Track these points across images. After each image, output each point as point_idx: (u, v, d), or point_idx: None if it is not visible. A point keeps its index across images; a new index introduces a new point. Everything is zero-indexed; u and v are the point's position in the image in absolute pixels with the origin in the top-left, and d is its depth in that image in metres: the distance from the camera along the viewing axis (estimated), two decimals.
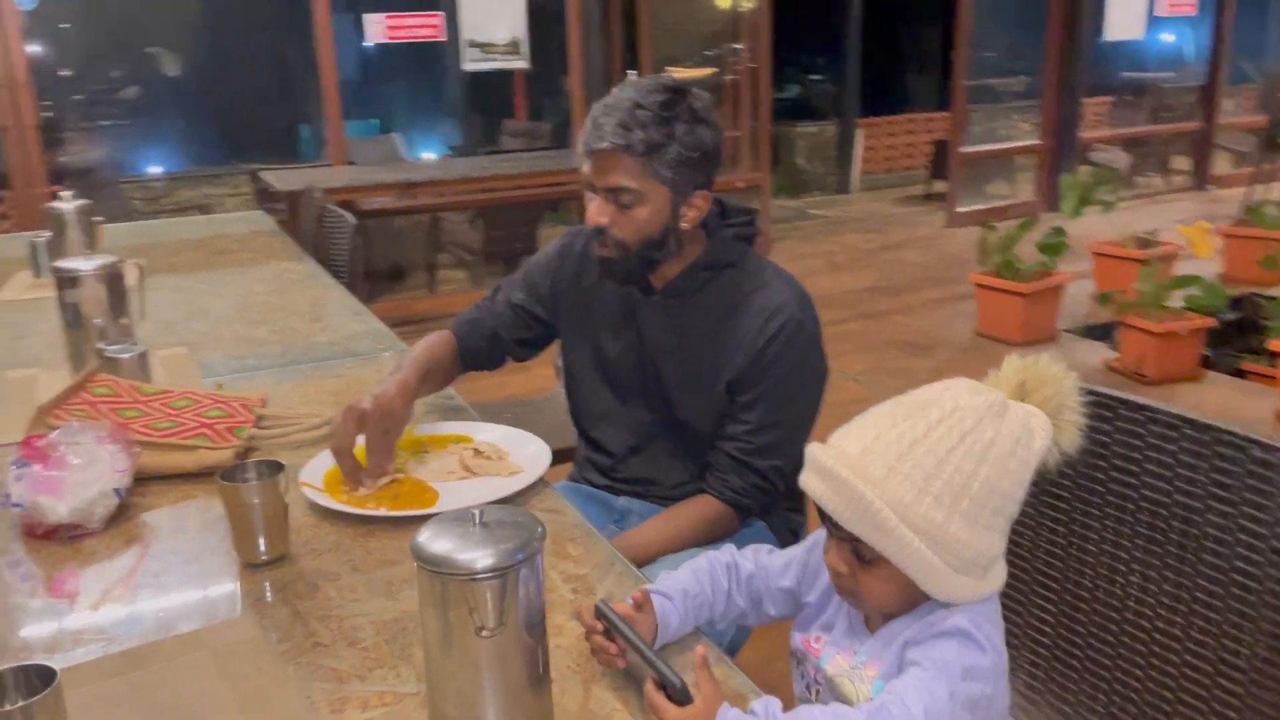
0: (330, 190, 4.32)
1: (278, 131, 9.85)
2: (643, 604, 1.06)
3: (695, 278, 1.61)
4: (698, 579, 1.14)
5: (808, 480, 1.02)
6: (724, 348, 1.59)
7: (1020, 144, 8.60)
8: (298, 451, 1.60)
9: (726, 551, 1.19)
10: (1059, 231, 4.79)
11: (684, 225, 1.56)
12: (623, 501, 1.73)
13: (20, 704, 0.85)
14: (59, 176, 5.73)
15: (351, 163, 5.70)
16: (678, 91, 1.53)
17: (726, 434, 1.61)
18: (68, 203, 2.78)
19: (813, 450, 1.01)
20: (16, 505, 1.36)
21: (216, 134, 9.63)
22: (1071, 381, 1.02)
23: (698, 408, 1.63)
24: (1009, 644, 1.42)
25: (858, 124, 10.33)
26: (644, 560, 1.52)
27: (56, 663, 1.09)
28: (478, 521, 0.91)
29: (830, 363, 1.64)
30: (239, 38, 10.46)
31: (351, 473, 1.43)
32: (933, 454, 0.96)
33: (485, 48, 5.90)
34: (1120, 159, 8.74)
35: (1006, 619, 1.42)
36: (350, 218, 3.11)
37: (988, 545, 0.98)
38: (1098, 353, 4.62)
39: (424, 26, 5.85)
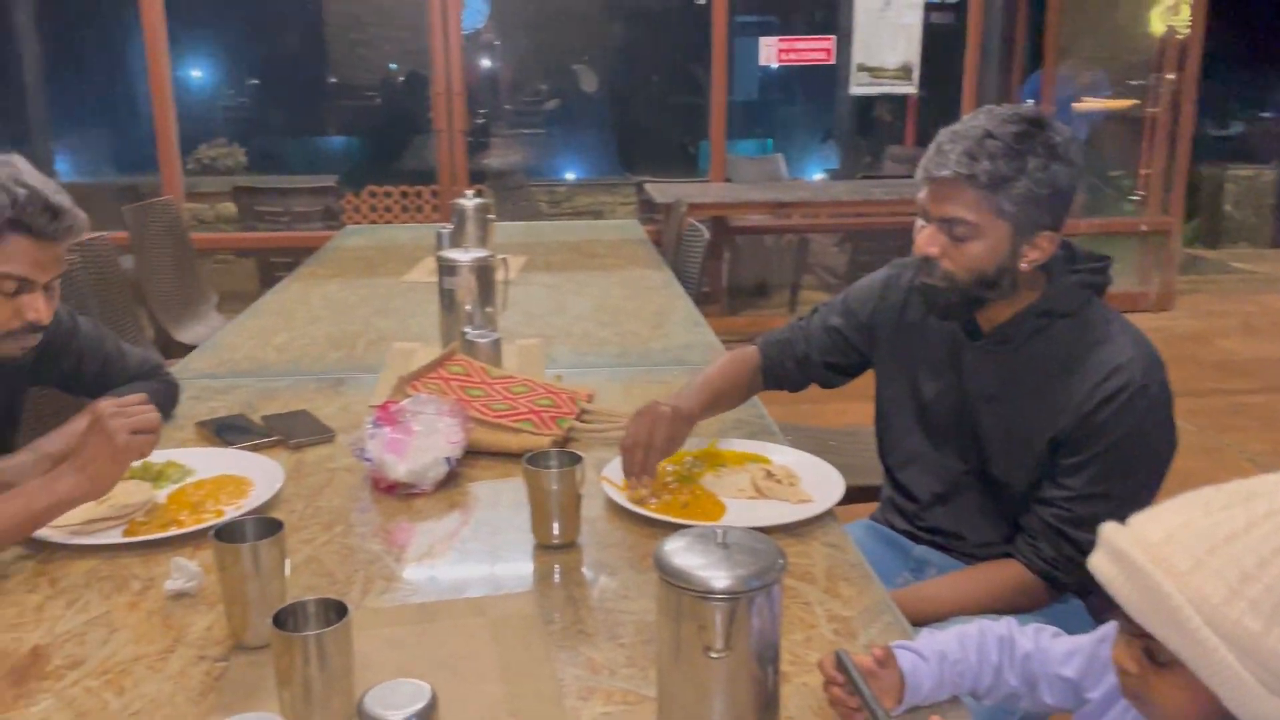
0: (700, 205, 4.51)
1: (677, 146, 10.42)
2: (885, 660, 1.00)
3: (1027, 324, 1.50)
4: (963, 645, 1.06)
5: (1098, 562, 0.91)
6: (1052, 403, 1.46)
7: None
8: (609, 448, 1.68)
9: (1004, 624, 1.10)
10: None
11: (1023, 266, 1.45)
12: (920, 550, 1.65)
13: (315, 632, 0.97)
14: (481, 176, 6.49)
15: (729, 180, 5.89)
16: (1036, 123, 1.42)
17: (1045, 498, 1.48)
18: (469, 200, 3.14)
19: (1107, 529, 0.90)
20: (368, 460, 1.56)
21: (620, 146, 10.38)
22: None
23: (1015, 464, 1.51)
24: None
25: None
26: (933, 617, 1.44)
27: (368, 603, 1.25)
28: (720, 541, 0.91)
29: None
30: (653, 58, 11.22)
31: (632, 468, 1.50)
32: (1254, 552, 0.81)
33: (874, 72, 5.85)
34: None
35: None
36: (705, 232, 3.23)
37: None
38: None
39: (815, 50, 5.91)
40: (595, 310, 2.73)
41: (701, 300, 3.13)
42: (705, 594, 0.87)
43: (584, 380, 2.05)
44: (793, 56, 5.85)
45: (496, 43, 8.65)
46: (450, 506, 1.53)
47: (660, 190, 5.20)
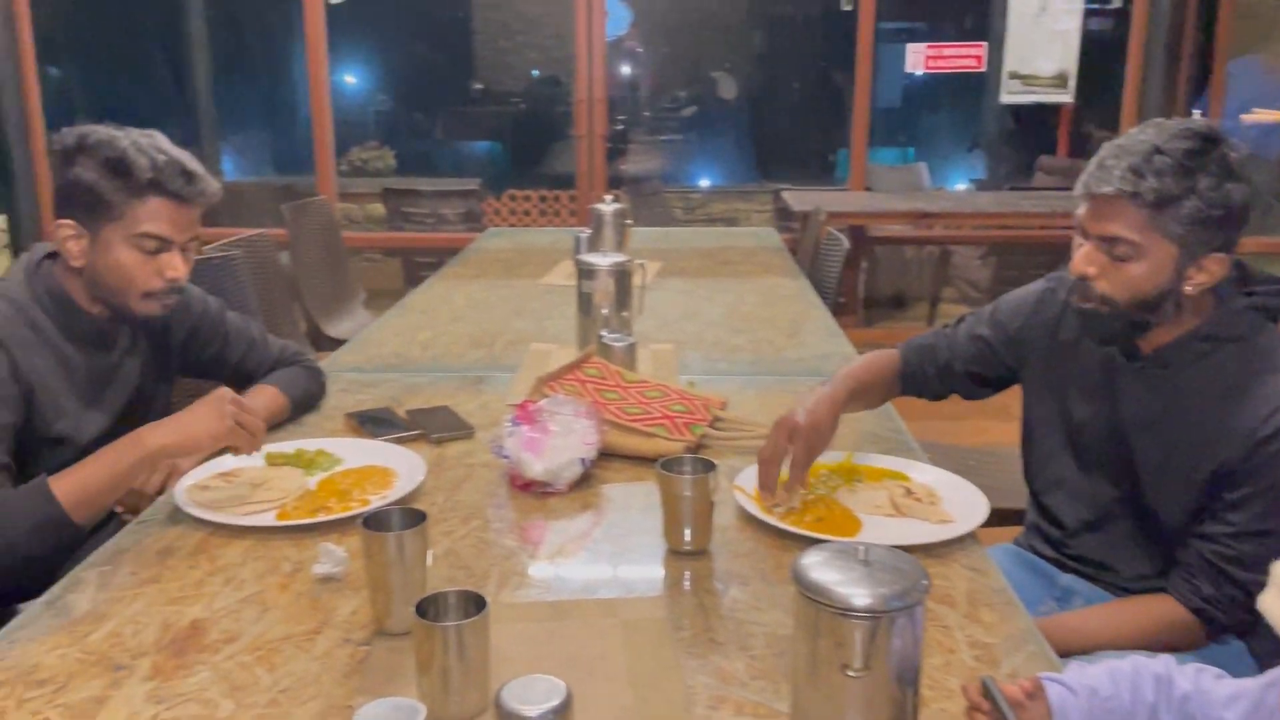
0: (839, 214, 4.44)
1: (814, 154, 10.32)
2: (1034, 693, 0.96)
3: (1190, 348, 1.41)
4: (1114, 682, 1.00)
5: (1270, 603, 0.85)
6: (1215, 433, 1.37)
7: None
8: (741, 457, 1.67)
9: (1160, 661, 1.03)
10: None
11: (1188, 289, 1.38)
12: (1067, 579, 1.57)
13: (456, 623, 1.00)
14: (617, 182, 6.56)
15: (869, 188, 5.79)
16: (1210, 139, 1.34)
17: (1204, 532, 1.40)
18: (607, 205, 3.17)
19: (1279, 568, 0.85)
20: (506, 457, 1.59)
21: (756, 154, 10.35)
22: None
23: (1171, 494, 1.43)
24: None
25: None
26: (1077, 649, 1.38)
27: (502, 598, 1.27)
28: (861, 558, 0.89)
29: None
30: (792, 65, 11.14)
31: (770, 483, 1.46)
32: None
33: (1027, 80, 5.64)
34: None
35: None
36: (844, 241, 3.17)
37: None
38: None
39: (965, 57, 5.75)
40: (728, 317, 2.72)
41: (837, 311, 3.09)
42: (845, 611, 0.85)
43: (716, 387, 2.04)
44: (941, 63, 5.70)
45: (639, 50, 8.74)
46: (583, 507, 1.55)
47: (797, 198, 5.14)
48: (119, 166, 1.51)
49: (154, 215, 1.54)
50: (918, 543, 1.36)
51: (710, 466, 1.37)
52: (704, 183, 9.45)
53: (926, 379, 1.74)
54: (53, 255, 1.62)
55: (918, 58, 5.70)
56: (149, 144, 1.55)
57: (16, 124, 5.16)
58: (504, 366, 2.25)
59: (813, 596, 0.87)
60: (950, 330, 1.75)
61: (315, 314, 3.61)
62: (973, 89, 8.53)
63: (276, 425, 1.82)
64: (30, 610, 1.21)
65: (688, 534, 1.37)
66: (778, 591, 1.28)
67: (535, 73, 11.15)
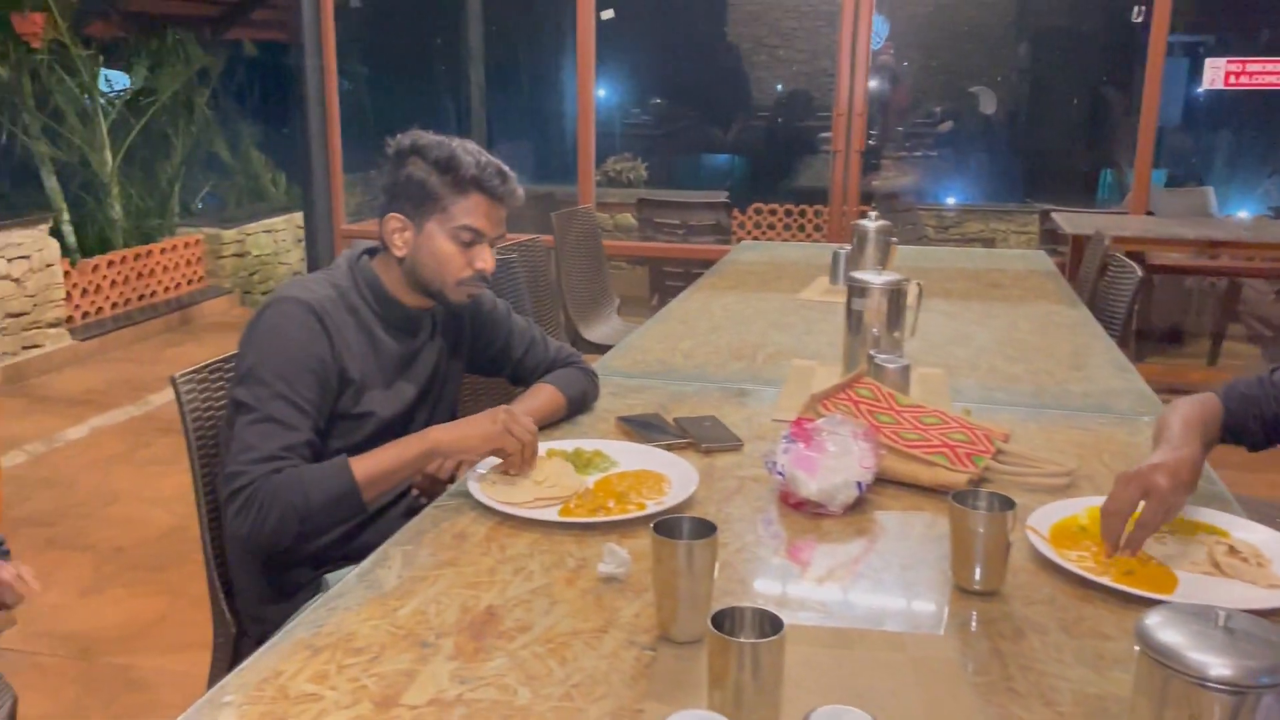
0: (1119, 239, 4.13)
1: (1076, 174, 9.69)
2: None
3: None
4: None
5: None
6: None
7: None
8: (1029, 494, 1.57)
9: None
10: None
11: None
12: None
13: (754, 640, 0.98)
14: (868, 197, 6.41)
15: (1150, 213, 5.36)
16: None
17: None
18: (871, 222, 3.10)
19: None
20: (779, 473, 1.57)
21: (1014, 171, 9.84)
22: None
23: None
24: None
25: None
26: None
27: (783, 618, 1.24)
28: (1221, 624, 0.80)
29: None
30: (1058, 80, 10.53)
31: (1113, 535, 1.33)
32: None
33: None
34: None
35: None
36: (1137, 270, 2.94)
37: None
38: None
39: (1273, 74, 5.21)
40: (1001, 344, 2.58)
41: None
42: (1202, 680, 0.77)
43: (995, 417, 1.93)
44: (1245, 80, 5.20)
45: (904, 64, 8.52)
46: (858, 532, 1.50)
47: (1069, 220, 4.83)
48: (448, 164, 1.68)
49: (472, 210, 1.70)
50: (1244, 608, 1.22)
51: (1009, 504, 1.29)
52: (951, 200, 9.07)
53: (1246, 430, 1.57)
54: (370, 252, 1.77)
55: (1216, 73, 5.23)
56: (471, 147, 1.71)
57: (318, 134, 5.68)
58: (765, 380, 2.23)
59: (1162, 660, 0.79)
60: (1271, 378, 1.57)
61: (575, 317, 3.74)
62: (1269, 109, 7.75)
63: (553, 423, 1.89)
64: (345, 582, 1.31)
65: (979, 573, 1.29)
66: (1082, 646, 1.18)
67: (779, 87, 11.13)
